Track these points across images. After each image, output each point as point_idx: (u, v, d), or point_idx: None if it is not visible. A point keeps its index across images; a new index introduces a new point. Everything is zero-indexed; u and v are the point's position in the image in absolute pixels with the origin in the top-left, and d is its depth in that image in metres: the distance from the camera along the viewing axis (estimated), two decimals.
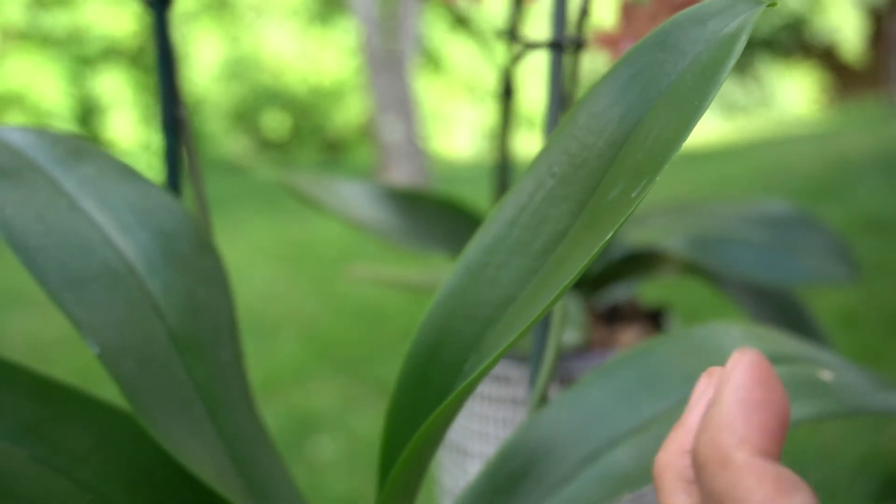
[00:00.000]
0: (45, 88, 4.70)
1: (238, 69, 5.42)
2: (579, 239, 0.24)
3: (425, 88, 5.65)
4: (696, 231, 0.61)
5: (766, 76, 7.74)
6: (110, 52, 4.99)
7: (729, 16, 0.24)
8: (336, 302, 2.20)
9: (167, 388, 0.31)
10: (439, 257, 0.65)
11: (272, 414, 1.51)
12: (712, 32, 0.23)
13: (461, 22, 5.98)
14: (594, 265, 0.62)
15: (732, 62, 0.22)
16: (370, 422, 1.48)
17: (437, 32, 5.97)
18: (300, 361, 1.80)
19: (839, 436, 1.26)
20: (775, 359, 0.34)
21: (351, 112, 5.70)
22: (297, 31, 5.64)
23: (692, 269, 0.63)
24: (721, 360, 0.35)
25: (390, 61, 3.96)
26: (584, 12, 0.41)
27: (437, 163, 4.99)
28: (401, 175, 4.00)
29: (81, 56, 4.94)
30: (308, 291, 2.34)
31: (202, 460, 0.30)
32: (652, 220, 0.65)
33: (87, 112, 4.96)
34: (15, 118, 4.59)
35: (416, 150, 4.10)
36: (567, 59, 0.41)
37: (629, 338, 0.58)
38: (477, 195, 1.58)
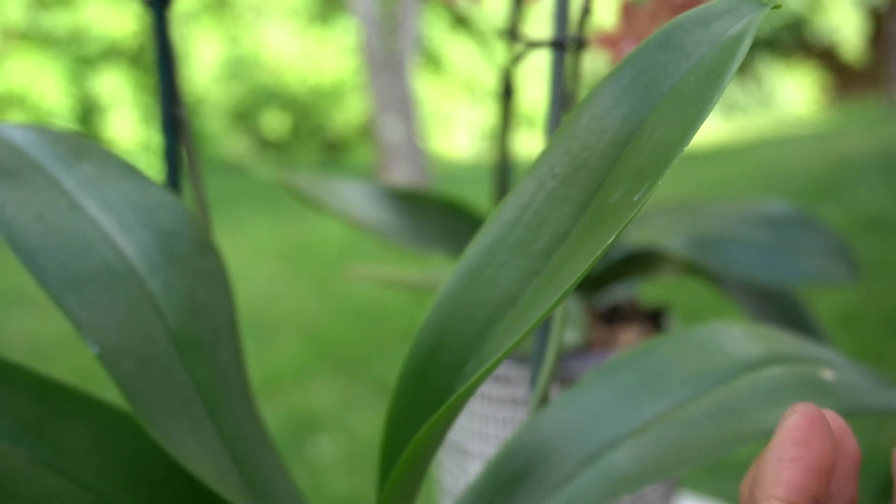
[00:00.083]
0: (46, 88, 4.70)
1: (238, 69, 5.42)
2: (581, 241, 0.24)
3: (425, 88, 5.65)
4: (696, 231, 0.61)
5: (767, 76, 7.74)
6: (110, 52, 4.99)
7: (733, 17, 0.23)
8: (336, 302, 2.20)
9: (167, 388, 0.31)
10: (439, 257, 0.65)
11: (272, 414, 1.51)
12: (716, 34, 0.23)
13: (461, 22, 5.98)
14: (595, 265, 0.62)
15: (737, 64, 0.22)
16: (370, 422, 1.48)
17: (437, 32, 5.97)
18: (300, 361, 1.80)
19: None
20: (776, 358, 0.34)
21: (351, 112, 5.70)
22: (297, 31, 5.64)
23: (692, 269, 0.63)
24: (721, 360, 0.35)
25: (390, 61, 3.96)
26: (586, 11, 0.41)
27: (437, 163, 4.99)
28: (401, 175, 4.00)
29: (82, 56, 4.94)
30: (308, 291, 2.34)
31: (202, 460, 0.30)
32: (652, 220, 0.65)
33: (88, 112, 4.96)
34: (15, 118, 4.59)
35: (416, 150, 4.10)
36: (568, 59, 0.41)
37: (629, 338, 0.58)
38: (477, 195, 1.58)
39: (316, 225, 3.10)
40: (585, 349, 0.54)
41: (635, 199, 0.22)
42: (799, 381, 0.33)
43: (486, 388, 0.54)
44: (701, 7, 0.24)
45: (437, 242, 0.62)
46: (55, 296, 0.30)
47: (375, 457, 0.30)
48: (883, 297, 1.84)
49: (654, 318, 0.63)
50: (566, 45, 0.40)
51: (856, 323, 1.72)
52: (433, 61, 5.99)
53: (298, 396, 1.61)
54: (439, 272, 0.68)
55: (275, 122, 5.57)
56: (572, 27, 0.40)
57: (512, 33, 0.53)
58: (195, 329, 0.33)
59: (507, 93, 0.57)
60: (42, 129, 0.34)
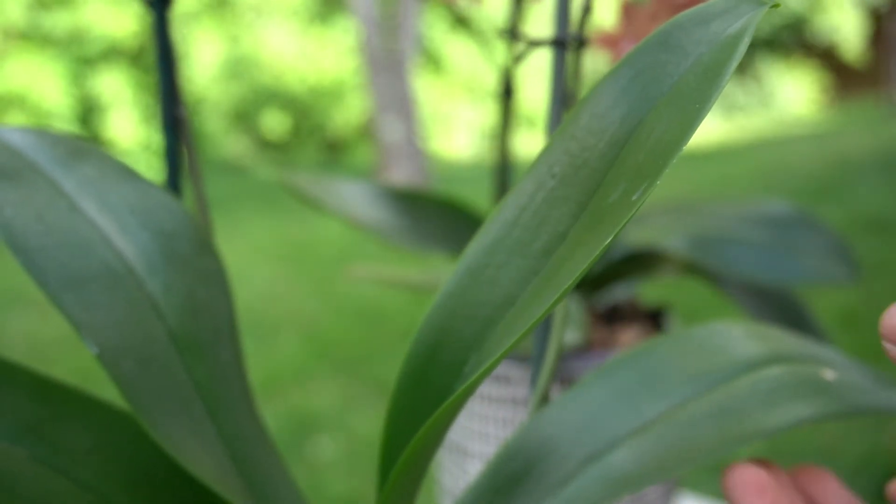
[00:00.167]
0: (46, 88, 4.70)
1: (238, 69, 5.43)
2: (580, 241, 0.24)
3: (425, 88, 5.65)
4: (696, 231, 0.61)
5: (767, 76, 7.74)
6: (111, 52, 4.99)
7: (732, 16, 0.23)
8: (336, 302, 2.20)
9: (167, 388, 0.31)
10: (439, 257, 0.65)
11: (272, 414, 1.51)
12: (715, 33, 0.23)
13: (461, 22, 5.98)
14: (594, 265, 0.62)
15: (735, 63, 0.22)
16: (370, 422, 1.48)
17: (437, 32, 5.97)
18: (300, 361, 1.80)
19: (839, 435, 1.26)
20: (776, 358, 0.34)
21: (351, 112, 5.70)
22: (297, 30, 5.64)
23: (692, 269, 0.63)
24: (722, 360, 0.35)
25: (390, 61, 3.96)
26: (587, 10, 0.41)
27: (436, 163, 4.99)
28: (401, 175, 4.00)
29: (82, 56, 4.95)
30: (308, 291, 2.34)
31: (202, 460, 0.30)
32: (652, 220, 0.65)
33: (88, 112, 4.97)
34: (16, 118, 4.59)
35: (415, 150, 4.10)
36: (569, 58, 0.41)
37: (629, 338, 0.58)
38: (477, 195, 1.58)
39: (316, 225, 3.11)
40: (585, 349, 0.54)
41: (634, 198, 0.22)
42: (799, 380, 0.33)
43: (486, 388, 0.54)
44: (700, 6, 0.24)
45: (437, 242, 0.62)
46: (55, 297, 0.30)
47: (375, 457, 0.30)
48: (883, 297, 1.84)
49: (654, 318, 0.63)
50: (567, 43, 0.40)
51: (856, 323, 1.72)
52: (433, 61, 5.99)
53: (298, 396, 1.61)
54: (439, 272, 0.68)
55: (275, 122, 5.57)
56: (573, 26, 0.40)
57: (512, 33, 0.53)
58: (195, 329, 0.33)
59: (507, 93, 0.57)
60: (41, 132, 0.34)
